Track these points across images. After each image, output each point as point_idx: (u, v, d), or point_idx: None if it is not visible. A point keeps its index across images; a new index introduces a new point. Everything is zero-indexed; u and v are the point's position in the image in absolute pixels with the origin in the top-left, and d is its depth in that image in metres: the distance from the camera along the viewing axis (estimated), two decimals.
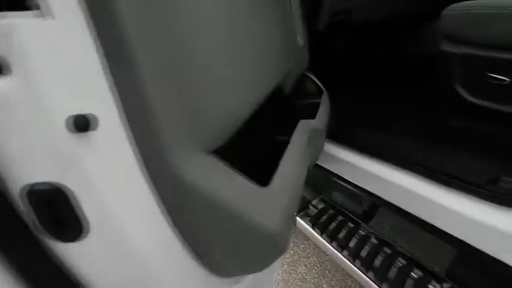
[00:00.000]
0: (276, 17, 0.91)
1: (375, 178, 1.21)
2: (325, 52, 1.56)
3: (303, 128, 0.92)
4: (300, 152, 0.79)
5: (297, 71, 1.14)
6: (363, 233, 1.30)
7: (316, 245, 2.17)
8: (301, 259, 2.04)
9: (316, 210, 1.51)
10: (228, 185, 0.52)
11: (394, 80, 1.71)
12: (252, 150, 0.86)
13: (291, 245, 2.16)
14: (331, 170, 1.44)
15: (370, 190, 1.25)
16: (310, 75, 1.34)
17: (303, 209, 1.60)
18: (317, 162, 1.52)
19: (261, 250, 0.58)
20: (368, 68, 1.85)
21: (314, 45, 1.44)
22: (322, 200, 1.59)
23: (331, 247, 1.29)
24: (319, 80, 1.46)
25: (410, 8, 1.67)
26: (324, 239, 1.34)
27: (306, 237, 2.18)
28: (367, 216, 1.40)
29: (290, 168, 0.69)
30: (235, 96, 0.60)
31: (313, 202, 1.59)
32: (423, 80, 1.49)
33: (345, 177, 1.37)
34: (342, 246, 1.28)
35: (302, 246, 2.14)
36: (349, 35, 1.70)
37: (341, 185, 1.41)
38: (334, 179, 1.43)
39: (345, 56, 1.81)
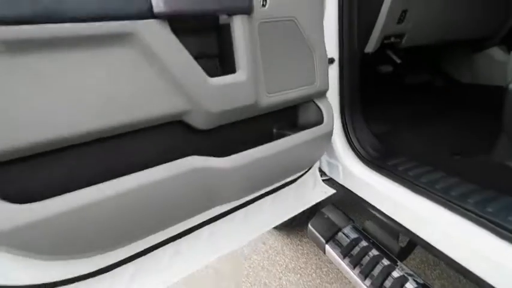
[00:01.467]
0: None
1: (417, 216, 1.13)
2: (372, 74, 1.50)
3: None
4: None
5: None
6: (397, 274, 1.22)
7: (339, 270, 2.09)
8: (324, 284, 1.96)
9: (348, 240, 1.44)
10: None
11: (443, 108, 1.62)
12: None
13: (314, 267, 2.09)
14: (367, 199, 1.37)
15: (410, 228, 1.18)
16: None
17: (332, 235, 1.52)
18: (351, 189, 1.46)
19: None
20: (414, 94, 1.76)
21: (361, 66, 1.38)
22: (355, 229, 1.52)
23: (363, 285, 1.22)
24: (362, 102, 1.40)
25: (459, 36, 1.58)
26: (355, 274, 1.27)
27: (330, 261, 2.10)
28: (403, 254, 1.31)
29: None
30: None
31: (345, 230, 1.51)
32: (477, 111, 1.40)
33: (381, 209, 1.30)
34: (375, 286, 1.20)
35: (325, 269, 2.07)
36: (396, 58, 1.62)
37: (376, 216, 1.34)
38: (370, 209, 1.36)
39: (390, 78, 1.73)
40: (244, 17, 0.93)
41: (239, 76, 0.95)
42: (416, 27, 1.38)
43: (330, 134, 1.23)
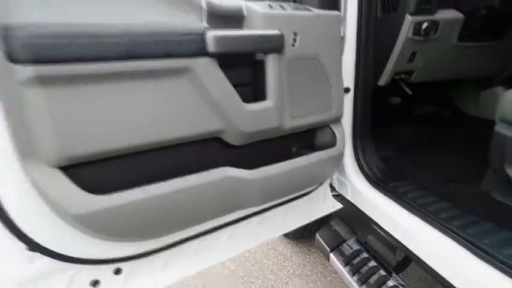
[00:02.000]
0: None
1: (411, 234, 1.29)
2: (382, 104, 1.67)
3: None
4: None
5: None
6: (391, 283, 1.38)
7: (342, 280, 2.24)
8: None
9: (351, 251, 1.61)
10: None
11: (446, 138, 1.78)
12: None
13: (319, 275, 2.25)
14: (369, 215, 1.54)
15: (405, 244, 1.33)
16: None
17: (337, 246, 1.69)
18: (357, 205, 1.63)
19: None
20: (420, 124, 1.93)
21: (374, 96, 1.56)
22: (358, 241, 1.68)
23: None
24: (372, 133, 1.57)
25: (466, 76, 1.73)
26: (354, 281, 1.44)
27: (334, 271, 2.26)
28: (399, 267, 1.47)
29: None
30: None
31: (349, 242, 1.68)
32: (477, 143, 1.56)
33: (382, 226, 1.47)
34: None
35: (329, 278, 2.23)
36: (408, 90, 1.79)
37: (377, 231, 1.50)
38: (372, 224, 1.53)
39: (400, 110, 1.90)
40: (276, 55, 1.13)
41: (268, 103, 1.15)
42: (425, 66, 1.56)
43: (341, 156, 1.41)
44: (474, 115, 1.88)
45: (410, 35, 1.38)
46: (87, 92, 0.84)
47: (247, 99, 1.11)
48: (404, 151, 1.72)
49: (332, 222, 1.83)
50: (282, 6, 1.20)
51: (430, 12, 1.37)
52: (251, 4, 1.13)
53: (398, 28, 1.39)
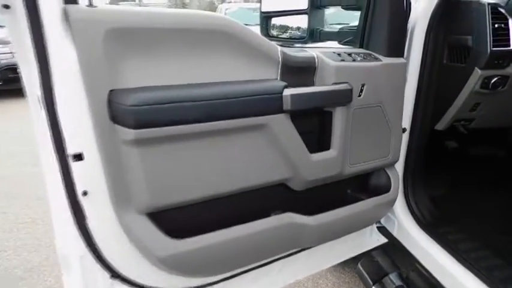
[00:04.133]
0: None
1: (456, 282, 1.31)
2: (437, 148, 1.67)
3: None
4: None
5: None
6: None
7: None
8: None
9: (393, 286, 1.64)
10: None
11: (502, 181, 1.76)
12: None
13: None
14: (416, 256, 1.56)
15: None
16: None
17: (379, 279, 1.73)
18: (402, 242, 1.66)
19: None
20: (476, 165, 1.91)
21: (429, 140, 1.57)
22: (400, 276, 1.71)
23: None
24: (424, 173, 1.58)
25: None
26: None
27: None
28: None
29: None
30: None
31: (391, 276, 1.71)
32: None
33: (427, 267, 1.49)
34: None
35: None
36: (463, 130, 1.78)
37: (420, 270, 1.53)
38: (416, 263, 1.55)
39: (456, 153, 1.89)
40: (345, 107, 1.18)
41: (332, 153, 1.20)
42: (487, 115, 1.54)
43: (393, 201, 1.44)
44: None
45: (477, 88, 1.38)
46: (175, 149, 0.93)
47: (311, 146, 1.17)
48: (456, 192, 1.72)
49: (374, 253, 1.86)
50: (350, 55, 1.24)
51: (502, 66, 1.36)
52: (322, 55, 1.17)
53: (465, 79, 1.38)
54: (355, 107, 1.21)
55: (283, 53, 1.07)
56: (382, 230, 1.75)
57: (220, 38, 0.97)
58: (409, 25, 1.39)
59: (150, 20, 0.88)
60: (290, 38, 1.84)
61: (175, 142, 0.91)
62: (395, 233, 1.70)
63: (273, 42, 1.10)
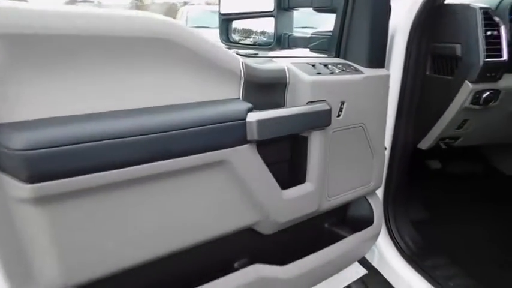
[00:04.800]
0: None
1: None
2: (419, 168, 1.52)
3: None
4: None
5: None
6: None
7: None
8: None
9: None
10: None
11: (484, 200, 1.64)
12: None
13: None
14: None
15: None
16: None
17: None
18: (383, 274, 1.48)
19: None
20: (455, 183, 1.78)
21: (412, 162, 1.40)
22: None
23: None
24: (405, 197, 1.41)
25: None
26: None
27: None
28: None
29: None
30: None
31: None
32: None
33: None
34: None
35: None
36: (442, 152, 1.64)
37: None
38: None
39: (439, 173, 1.75)
40: (322, 130, 0.96)
41: (308, 187, 0.98)
42: (474, 132, 1.40)
43: (377, 235, 1.25)
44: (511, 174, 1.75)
45: (467, 104, 1.22)
46: (97, 204, 0.65)
47: (282, 179, 0.94)
48: (440, 215, 1.57)
49: (352, 284, 1.68)
50: (327, 67, 1.03)
51: (494, 79, 1.20)
52: (294, 67, 0.95)
53: (452, 93, 1.22)
54: (333, 130, 1.00)
55: (247, 66, 0.84)
56: (361, 260, 1.56)
57: (161, 48, 0.71)
58: (390, 31, 1.21)
59: (54, 23, 0.60)
60: (254, 43, 1.60)
61: (97, 195, 0.64)
62: (375, 263, 1.52)
63: (233, 52, 0.86)
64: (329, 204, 1.07)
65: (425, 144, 1.40)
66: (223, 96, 0.81)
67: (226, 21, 1.47)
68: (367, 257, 1.55)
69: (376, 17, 1.09)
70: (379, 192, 1.38)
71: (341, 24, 1.12)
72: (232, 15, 1.48)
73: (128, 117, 0.66)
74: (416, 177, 1.47)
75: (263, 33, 1.57)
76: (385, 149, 1.36)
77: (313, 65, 0.99)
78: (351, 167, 1.11)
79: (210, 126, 0.74)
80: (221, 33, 1.49)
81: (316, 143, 0.96)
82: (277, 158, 0.98)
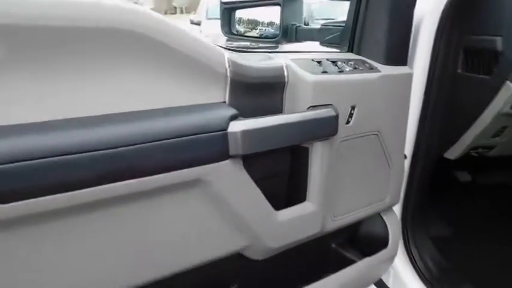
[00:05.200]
0: None
1: None
2: (447, 181, 1.35)
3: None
4: None
5: None
6: None
7: None
8: None
9: None
10: None
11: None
12: None
13: None
14: None
15: None
16: None
17: None
18: None
19: None
20: (484, 195, 1.59)
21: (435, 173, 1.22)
22: None
23: None
24: (426, 213, 1.24)
25: None
26: None
27: None
28: None
29: None
30: None
31: None
32: None
33: None
34: None
35: None
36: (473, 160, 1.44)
37: None
38: None
39: (467, 187, 1.56)
40: (327, 140, 0.80)
41: (309, 207, 0.83)
42: (511, 141, 1.21)
43: (393, 257, 1.08)
44: None
45: (507, 108, 1.03)
46: (44, 234, 0.53)
47: (276, 198, 0.79)
48: (465, 232, 1.39)
49: None
50: (335, 64, 0.86)
51: None
52: (294, 64, 0.79)
53: (490, 95, 1.03)
54: (341, 139, 0.84)
55: (233, 63, 0.68)
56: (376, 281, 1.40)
57: (127, 43, 0.57)
58: (414, 20, 1.03)
59: None
60: (260, 36, 1.45)
61: (43, 222, 0.52)
62: (390, 284, 1.36)
63: (218, 45, 0.71)
64: (335, 225, 0.92)
65: (453, 153, 1.21)
66: (203, 100, 0.67)
67: (228, 10, 1.32)
68: (383, 277, 1.39)
69: (398, 4, 0.92)
70: (397, 208, 1.21)
71: (355, 12, 0.95)
72: (236, 3, 1.33)
73: (77, 128, 0.53)
74: (440, 189, 1.29)
75: (271, 24, 1.42)
76: (405, 157, 1.19)
77: (318, 62, 0.83)
78: (362, 181, 0.95)
79: (183, 138, 0.60)
80: (223, 25, 1.34)
81: (319, 155, 0.81)
82: (271, 171, 0.83)
